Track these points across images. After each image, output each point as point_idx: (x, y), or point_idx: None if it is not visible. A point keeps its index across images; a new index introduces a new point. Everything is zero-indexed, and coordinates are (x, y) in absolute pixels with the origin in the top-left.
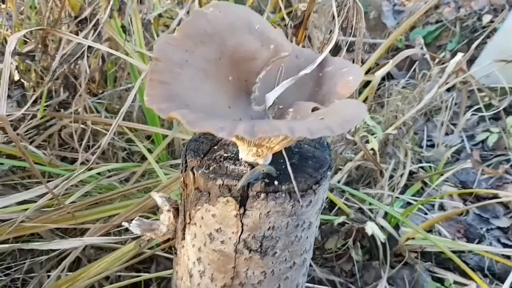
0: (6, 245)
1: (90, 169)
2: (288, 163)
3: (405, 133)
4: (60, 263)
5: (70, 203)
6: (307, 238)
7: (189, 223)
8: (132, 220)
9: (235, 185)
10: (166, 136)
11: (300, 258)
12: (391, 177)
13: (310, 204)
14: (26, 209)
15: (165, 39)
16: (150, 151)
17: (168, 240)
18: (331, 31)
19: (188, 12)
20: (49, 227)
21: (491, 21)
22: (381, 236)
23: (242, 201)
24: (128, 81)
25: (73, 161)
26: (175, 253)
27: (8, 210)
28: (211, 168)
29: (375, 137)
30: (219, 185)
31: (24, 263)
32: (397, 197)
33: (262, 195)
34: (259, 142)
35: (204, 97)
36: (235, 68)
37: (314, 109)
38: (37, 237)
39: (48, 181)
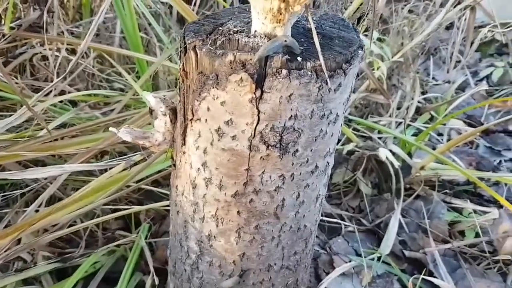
0: None
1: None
2: (314, 32)
3: (412, 61)
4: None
5: (45, 133)
6: (332, 135)
7: (191, 120)
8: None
9: (251, 59)
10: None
11: (323, 161)
12: (398, 109)
13: (339, 88)
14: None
15: None
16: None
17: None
18: None
19: None
20: (25, 157)
21: None
22: (395, 162)
23: (259, 80)
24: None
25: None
26: (174, 165)
27: None
28: (218, 43)
29: (383, 63)
30: (230, 61)
31: None
32: (407, 126)
33: (284, 72)
34: None
35: None
36: None
37: None
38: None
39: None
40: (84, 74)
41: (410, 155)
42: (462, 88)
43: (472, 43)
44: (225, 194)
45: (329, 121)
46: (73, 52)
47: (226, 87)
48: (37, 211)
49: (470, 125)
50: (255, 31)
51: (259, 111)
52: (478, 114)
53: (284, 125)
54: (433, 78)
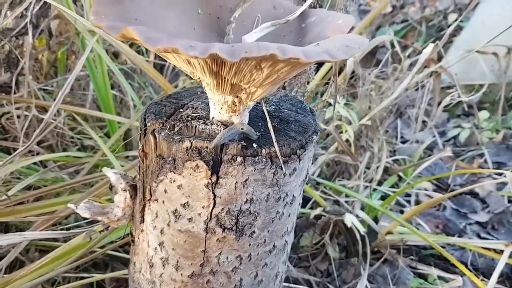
0: None
1: (31, 157)
2: (269, 121)
3: (380, 124)
4: None
5: (11, 195)
6: (289, 215)
7: (149, 200)
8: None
9: (207, 147)
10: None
11: (281, 241)
12: (365, 171)
13: (294, 173)
14: None
15: None
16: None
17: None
18: None
19: None
20: None
21: (456, 20)
22: (361, 228)
23: (215, 167)
24: (82, 70)
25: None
26: (132, 241)
27: None
28: (176, 129)
29: (350, 127)
30: (187, 148)
31: None
32: (374, 190)
33: (239, 159)
34: (236, 83)
35: (167, 26)
36: (206, 0)
37: None
38: None
39: None
40: (54, 132)
41: (376, 219)
42: (430, 147)
43: (439, 103)
44: (181, 274)
45: (286, 203)
46: (43, 109)
47: (182, 171)
48: None
49: (437, 186)
50: (213, 117)
51: (215, 195)
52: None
53: (240, 208)
54: (401, 137)
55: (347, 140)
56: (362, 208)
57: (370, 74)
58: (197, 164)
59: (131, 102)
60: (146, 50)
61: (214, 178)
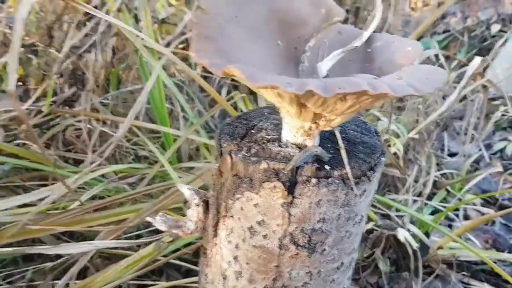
0: (9, 249)
1: (95, 170)
2: (341, 144)
3: (427, 138)
4: (65, 272)
5: (78, 205)
6: (357, 234)
7: (224, 216)
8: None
9: (283, 169)
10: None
11: (348, 258)
12: (413, 184)
13: (364, 193)
14: (28, 212)
15: None
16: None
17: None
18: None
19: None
20: (57, 230)
21: (500, 31)
22: (413, 243)
23: (290, 187)
24: (135, 82)
25: (76, 163)
26: (204, 253)
27: (9, 212)
28: (252, 151)
29: (398, 140)
30: (264, 169)
31: (27, 270)
32: (424, 204)
33: (314, 181)
34: (319, 113)
35: (255, 59)
36: (285, 32)
37: None
38: (39, 244)
39: (52, 183)
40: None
41: (427, 234)
42: (477, 161)
43: (486, 116)
44: (254, 287)
45: (355, 222)
46: (103, 122)
47: (259, 191)
48: (67, 284)
49: (484, 199)
50: (287, 140)
51: (289, 214)
52: (493, 189)
53: (313, 227)
54: (448, 149)
55: (395, 153)
56: (412, 222)
57: None
58: (274, 185)
59: (181, 114)
60: (195, 63)
61: (289, 198)
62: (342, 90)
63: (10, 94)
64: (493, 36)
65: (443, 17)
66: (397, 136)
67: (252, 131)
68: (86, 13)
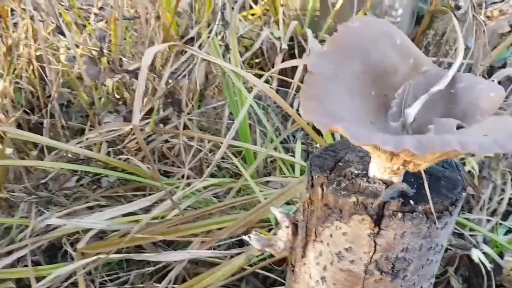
0: (119, 255)
1: (190, 184)
2: (425, 182)
3: (502, 156)
4: (162, 277)
5: (175, 215)
6: (436, 262)
7: (314, 240)
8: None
9: (371, 203)
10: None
11: (427, 283)
12: (490, 199)
13: (445, 226)
14: (133, 221)
15: (318, 53)
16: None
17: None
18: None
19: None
20: (158, 239)
21: None
22: (487, 264)
23: (377, 220)
24: (217, 99)
25: (166, 173)
26: (292, 270)
27: (116, 221)
28: (342, 185)
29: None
30: (354, 203)
31: (130, 273)
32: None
33: (399, 215)
34: (410, 159)
35: (351, 112)
36: (377, 82)
37: (458, 127)
38: (141, 249)
39: (149, 194)
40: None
41: (501, 254)
42: None
43: None
44: None
45: (435, 251)
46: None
47: (348, 222)
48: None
49: None
50: (374, 176)
51: (375, 244)
52: None
53: (397, 256)
54: None
55: (469, 171)
56: (485, 242)
57: None
58: (363, 218)
59: (258, 130)
60: (271, 78)
61: (376, 229)
62: (433, 149)
63: (134, 127)
64: None
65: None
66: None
67: (340, 163)
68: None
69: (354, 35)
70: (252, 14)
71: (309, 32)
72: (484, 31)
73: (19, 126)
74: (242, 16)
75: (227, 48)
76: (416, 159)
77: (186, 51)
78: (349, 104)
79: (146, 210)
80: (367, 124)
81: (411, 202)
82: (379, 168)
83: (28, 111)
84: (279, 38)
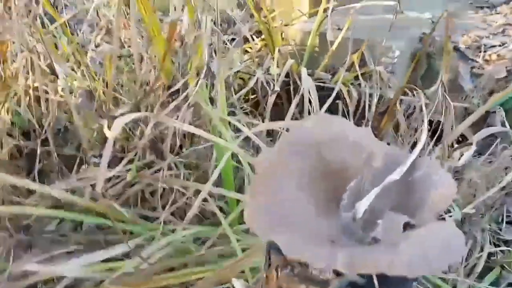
0: None
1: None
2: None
3: (484, 213)
4: None
5: (151, 264)
6: None
7: None
8: None
9: None
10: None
11: None
12: (465, 258)
13: None
14: (109, 269)
15: (266, 153)
16: (222, 211)
17: None
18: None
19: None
20: None
21: None
22: None
23: None
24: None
25: (147, 218)
26: None
27: (91, 269)
28: (295, 271)
29: (450, 216)
30: None
31: None
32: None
33: None
34: None
35: (296, 212)
36: (328, 178)
37: (405, 225)
38: None
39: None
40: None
41: None
42: None
43: None
44: None
45: None
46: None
47: None
48: None
49: None
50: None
51: None
52: None
53: None
54: (508, 215)
55: None
56: None
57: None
58: None
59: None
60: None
61: None
62: (361, 271)
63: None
64: None
65: None
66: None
67: None
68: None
69: (306, 134)
70: (251, 47)
71: (303, 71)
72: (452, 110)
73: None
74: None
75: (212, 102)
76: None
77: (173, 99)
78: (295, 202)
79: (126, 255)
80: (313, 219)
81: None
82: None
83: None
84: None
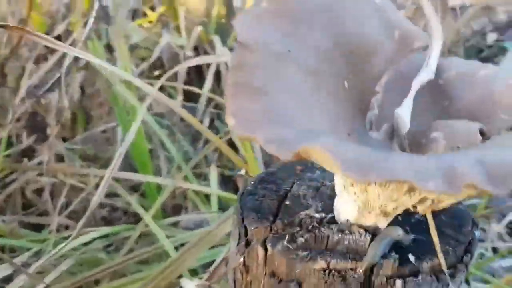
0: None
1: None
2: (431, 221)
3: None
4: None
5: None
6: None
7: None
8: None
9: (353, 269)
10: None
11: None
12: None
13: (460, 287)
14: None
15: (252, 13)
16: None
17: None
18: None
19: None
20: None
21: (497, 40)
22: None
23: None
24: (107, 119)
25: (40, 227)
26: None
27: None
28: (299, 241)
29: None
30: (324, 270)
31: None
32: None
33: (399, 283)
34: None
35: (318, 120)
36: (352, 68)
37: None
38: None
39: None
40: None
41: (467, 281)
42: None
43: None
44: None
45: None
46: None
47: None
48: None
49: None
50: (347, 220)
51: None
52: None
53: None
54: None
55: None
56: None
57: None
58: None
59: (163, 155)
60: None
61: None
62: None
63: None
64: (490, 46)
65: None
66: None
67: (287, 202)
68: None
69: None
70: (150, 22)
71: (216, 40)
72: None
73: None
74: (137, 24)
75: (109, 49)
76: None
77: (52, 53)
78: (313, 103)
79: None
80: (343, 136)
81: (411, 258)
82: (360, 209)
83: None
84: (181, 47)
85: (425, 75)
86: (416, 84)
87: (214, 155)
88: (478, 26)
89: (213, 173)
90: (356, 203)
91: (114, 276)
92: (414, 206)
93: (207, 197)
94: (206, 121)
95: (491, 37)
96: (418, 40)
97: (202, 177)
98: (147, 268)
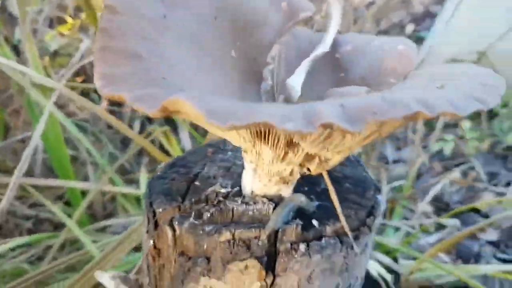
0: None
1: None
2: (331, 187)
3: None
4: None
5: None
6: None
7: None
8: None
9: (256, 237)
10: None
11: None
12: None
13: (365, 249)
14: None
15: None
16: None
17: None
18: None
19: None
20: None
21: (415, 31)
22: (389, 277)
23: (269, 262)
24: (26, 129)
25: None
26: None
27: None
28: (205, 216)
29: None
30: (229, 242)
31: None
32: (382, 224)
33: (302, 247)
34: (315, 151)
35: (201, 83)
36: (240, 37)
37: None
38: None
39: None
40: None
41: (396, 260)
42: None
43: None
44: None
45: None
46: None
47: (223, 275)
48: None
49: (437, 207)
50: (252, 192)
51: None
52: (442, 193)
53: None
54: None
55: None
56: (374, 247)
57: None
58: (246, 265)
59: (88, 160)
60: (99, 97)
61: (270, 278)
62: (380, 117)
63: None
64: (408, 37)
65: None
66: None
67: (196, 182)
68: None
69: None
70: (69, 29)
71: None
72: None
73: None
74: (57, 31)
75: (17, 52)
76: (327, 150)
77: None
78: (194, 68)
79: None
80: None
81: (314, 223)
82: (261, 177)
83: None
84: None
85: (321, 49)
86: (311, 57)
87: (145, 160)
88: (397, 18)
89: (143, 175)
90: (257, 172)
91: (38, 286)
92: (309, 170)
93: (138, 201)
94: (137, 125)
95: (409, 28)
96: (304, 10)
97: (134, 184)
98: (75, 275)
